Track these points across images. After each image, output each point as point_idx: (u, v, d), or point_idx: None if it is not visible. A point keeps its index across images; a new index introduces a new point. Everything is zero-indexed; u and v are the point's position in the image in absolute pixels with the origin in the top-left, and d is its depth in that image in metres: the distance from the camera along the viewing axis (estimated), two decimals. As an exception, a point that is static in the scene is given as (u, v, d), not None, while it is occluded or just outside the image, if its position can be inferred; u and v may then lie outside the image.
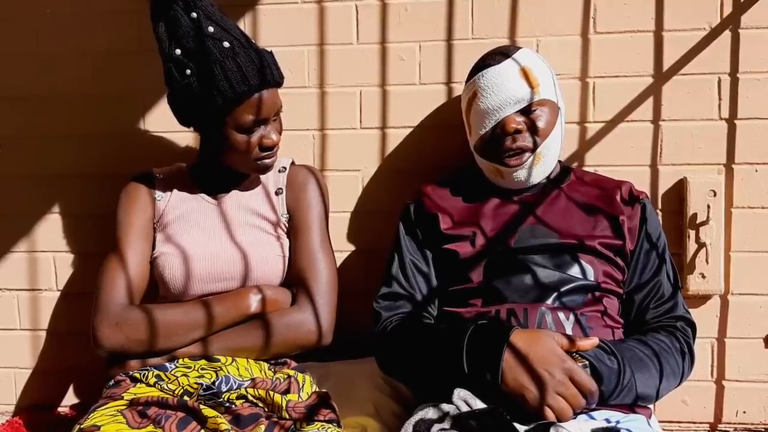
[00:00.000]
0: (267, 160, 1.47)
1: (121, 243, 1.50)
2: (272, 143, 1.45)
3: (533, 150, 1.43)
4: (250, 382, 1.37)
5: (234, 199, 1.55)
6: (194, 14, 1.40)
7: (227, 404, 1.31)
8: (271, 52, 1.47)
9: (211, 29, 1.39)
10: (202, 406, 1.26)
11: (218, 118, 1.41)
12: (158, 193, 1.54)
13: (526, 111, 1.43)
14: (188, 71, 1.39)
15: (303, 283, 1.49)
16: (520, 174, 1.45)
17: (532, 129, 1.43)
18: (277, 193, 1.56)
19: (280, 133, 1.49)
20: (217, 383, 1.34)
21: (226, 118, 1.41)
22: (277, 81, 1.45)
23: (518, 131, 1.42)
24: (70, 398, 1.86)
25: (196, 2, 1.40)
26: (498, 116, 1.43)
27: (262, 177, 1.58)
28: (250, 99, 1.40)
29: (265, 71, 1.41)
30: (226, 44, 1.39)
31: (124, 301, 1.45)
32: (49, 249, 1.84)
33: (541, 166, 1.45)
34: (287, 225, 1.54)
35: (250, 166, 1.48)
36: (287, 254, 1.53)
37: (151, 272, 1.51)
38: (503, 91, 1.42)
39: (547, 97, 1.44)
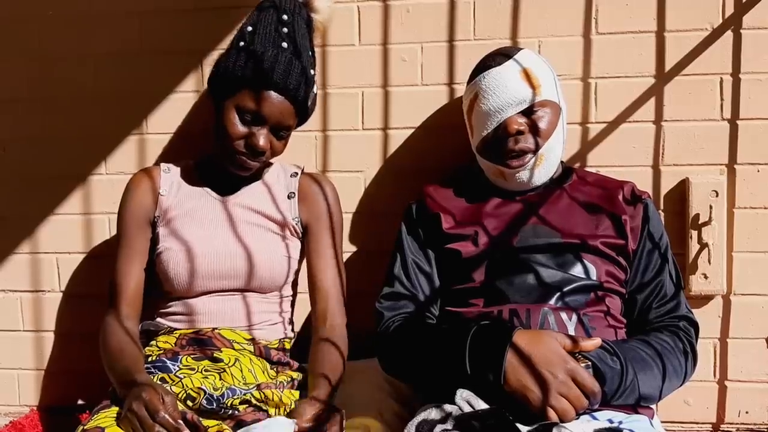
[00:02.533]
0: (244, 158, 1.46)
1: (119, 254, 1.52)
2: (257, 144, 1.44)
3: (535, 151, 1.43)
4: (255, 387, 1.37)
5: (241, 197, 1.55)
6: (285, 17, 1.48)
7: (229, 410, 1.31)
8: (314, 82, 1.51)
9: (285, 30, 1.47)
10: (202, 419, 1.27)
11: (229, 90, 1.45)
12: (163, 188, 1.54)
13: (528, 112, 1.43)
14: (241, 44, 1.46)
15: (332, 297, 1.53)
16: (523, 175, 1.45)
17: (534, 130, 1.43)
18: (289, 197, 1.56)
19: (275, 152, 1.49)
20: (222, 398, 1.33)
21: (235, 94, 1.43)
22: (293, 95, 1.45)
23: (520, 132, 1.42)
24: (74, 399, 1.87)
25: (294, 11, 1.51)
26: (500, 118, 1.44)
27: (271, 178, 1.58)
28: (260, 90, 1.42)
29: (291, 79, 1.43)
30: (284, 45, 1.45)
31: (112, 319, 1.47)
32: (52, 250, 1.85)
33: (543, 168, 1.45)
34: (297, 229, 1.55)
35: (230, 158, 1.47)
36: (294, 256, 1.54)
37: (154, 268, 1.52)
38: (505, 93, 1.42)
39: (549, 98, 1.44)
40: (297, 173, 1.59)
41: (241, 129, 1.44)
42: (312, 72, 1.51)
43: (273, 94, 1.43)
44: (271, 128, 1.46)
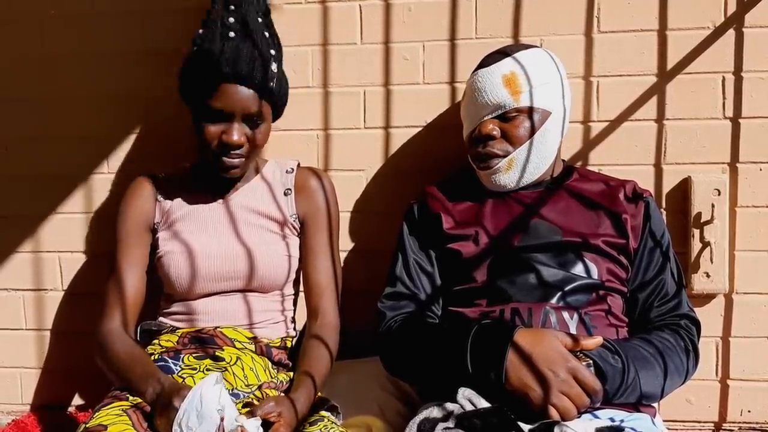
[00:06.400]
0: (226, 159, 1.44)
1: (118, 261, 1.51)
2: (230, 141, 1.42)
3: (504, 156, 1.43)
4: (256, 388, 1.37)
5: (239, 198, 1.55)
6: (232, 6, 1.46)
7: None
8: (275, 61, 1.46)
9: (231, 20, 1.44)
10: None
11: (194, 98, 1.45)
12: (161, 195, 1.54)
13: (504, 118, 1.43)
14: (194, 48, 1.45)
15: (326, 293, 1.52)
16: (496, 178, 1.44)
17: (507, 136, 1.43)
18: (285, 194, 1.56)
19: (255, 144, 1.46)
20: None
21: (200, 99, 1.43)
22: (250, 80, 1.41)
23: (491, 137, 1.42)
24: (76, 398, 1.87)
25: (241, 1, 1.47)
26: (478, 119, 1.45)
27: (269, 176, 1.58)
28: (220, 86, 1.40)
29: (241, 65, 1.39)
30: (231, 34, 1.42)
31: (115, 326, 1.45)
32: (54, 249, 1.85)
33: (514, 172, 1.44)
34: (295, 226, 1.55)
35: (213, 164, 1.47)
36: (294, 254, 1.54)
37: (155, 272, 1.52)
38: (484, 96, 1.43)
39: (533, 105, 1.42)
40: (293, 169, 1.59)
41: (213, 130, 1.42)
42: (272, 52, 1.46)
43: (229, 86, 1.40)
44: (243, 120, 1.43)
